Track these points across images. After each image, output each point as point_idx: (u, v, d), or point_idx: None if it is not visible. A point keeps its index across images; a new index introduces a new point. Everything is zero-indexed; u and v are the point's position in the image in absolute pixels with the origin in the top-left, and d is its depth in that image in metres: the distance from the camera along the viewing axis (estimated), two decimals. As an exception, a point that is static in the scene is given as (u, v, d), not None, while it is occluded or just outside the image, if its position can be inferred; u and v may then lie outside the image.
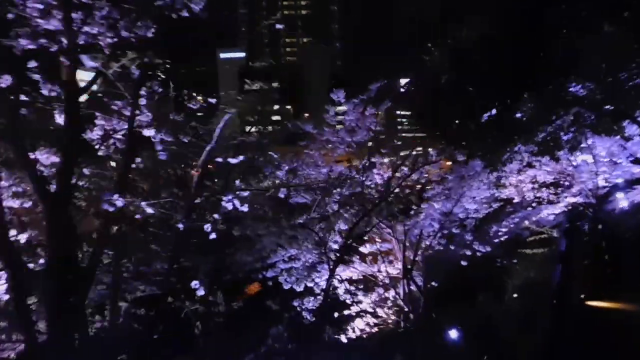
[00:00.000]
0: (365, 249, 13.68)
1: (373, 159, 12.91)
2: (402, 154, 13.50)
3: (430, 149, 13.81)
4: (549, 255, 16.87)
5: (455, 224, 15.57)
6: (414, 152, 14.05)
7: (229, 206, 8.20)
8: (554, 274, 13.57)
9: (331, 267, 13.51)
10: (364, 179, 12.76)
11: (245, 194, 10.28)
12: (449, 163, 17.50)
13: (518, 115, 12.27)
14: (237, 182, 11.94)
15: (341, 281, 13.55)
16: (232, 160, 9.85)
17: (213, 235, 8.37)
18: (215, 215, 8.77)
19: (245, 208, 8.34)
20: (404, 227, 13.51)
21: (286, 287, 13.03)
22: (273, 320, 12.73)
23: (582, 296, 11.61)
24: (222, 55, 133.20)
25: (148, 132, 7.19)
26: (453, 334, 12.28)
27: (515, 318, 11.69)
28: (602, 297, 11.26)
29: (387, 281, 13.68)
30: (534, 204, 23.23)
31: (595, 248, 14.02)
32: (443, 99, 12.76)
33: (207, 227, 8.35)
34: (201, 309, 12.28)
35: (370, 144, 12.96)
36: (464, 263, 14.53)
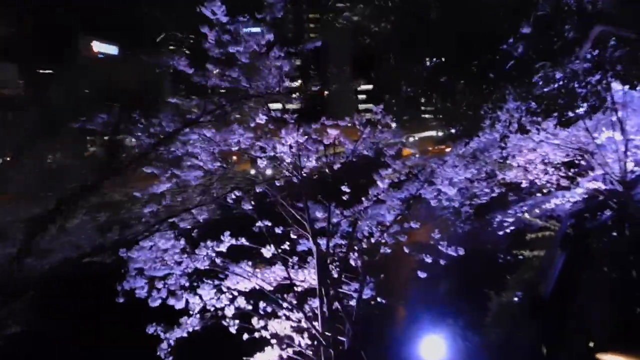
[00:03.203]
0: (268, 250, 9.20)
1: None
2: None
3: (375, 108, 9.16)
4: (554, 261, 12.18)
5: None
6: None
7: None
8: (549, 300, 8.92)
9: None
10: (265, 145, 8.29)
11: None
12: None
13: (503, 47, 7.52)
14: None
15: (233, 297, 9.16)
16: None
17: None
18: None
19: None
20: (327, 218, 9.07)
21: (154, 304, 8.71)
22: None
23: (592, 344, 6.99)
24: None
25: None
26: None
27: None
28: (622, 347, 6.64)
29: (294, 301, 9.29)
30: (544, 190, 19.05)
31: (616, 261, 9.30)
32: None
33: None
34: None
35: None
36: (422, 274, 10.04)
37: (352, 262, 9.98)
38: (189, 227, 7.95)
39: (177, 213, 7.31)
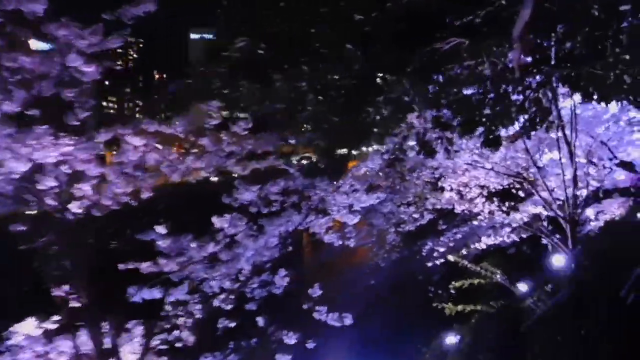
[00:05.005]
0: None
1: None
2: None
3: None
4: (494, 325, 9.29)
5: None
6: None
7: None
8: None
9: None
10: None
11: None
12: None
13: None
14: None
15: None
16: None
17: None
18: None
19: None
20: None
21: None
22: None
23: None
24: (193, 36, 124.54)
25: None
26: None
27: None
28: None
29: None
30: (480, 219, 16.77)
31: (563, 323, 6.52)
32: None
33: None
34: None
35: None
36: (310, 345, 6.87)
37: (184, 334, 6.69)
38: None
39: None
